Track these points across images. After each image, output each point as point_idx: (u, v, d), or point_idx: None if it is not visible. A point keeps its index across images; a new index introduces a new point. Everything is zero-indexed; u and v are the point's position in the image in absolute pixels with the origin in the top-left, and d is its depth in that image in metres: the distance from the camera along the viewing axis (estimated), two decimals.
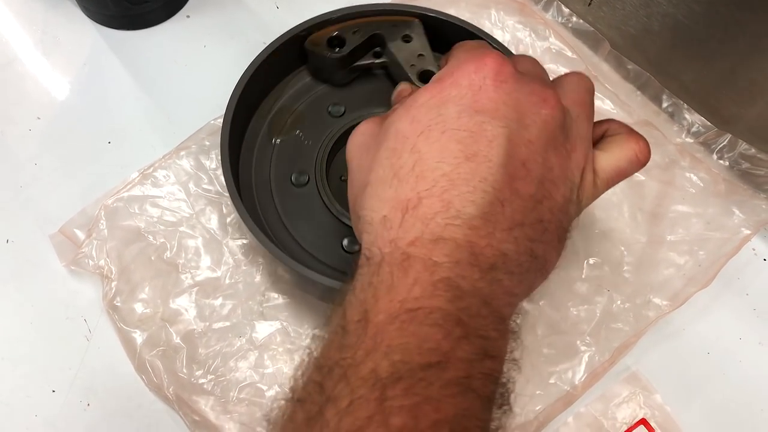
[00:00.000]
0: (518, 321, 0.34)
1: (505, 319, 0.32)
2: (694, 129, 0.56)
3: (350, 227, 0.49)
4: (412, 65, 0.50)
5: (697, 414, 0.49)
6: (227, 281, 0.52)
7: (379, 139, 0.35)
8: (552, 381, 0.48)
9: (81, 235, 0.52)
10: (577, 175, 0.36)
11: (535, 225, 0.33)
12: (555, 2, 0.60)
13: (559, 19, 0.60)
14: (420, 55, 0.51)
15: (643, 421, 0.49)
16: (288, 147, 0.52)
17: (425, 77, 0.50)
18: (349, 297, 0.32)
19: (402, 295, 0.30)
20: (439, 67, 0.45)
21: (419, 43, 0.51)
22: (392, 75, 0.53)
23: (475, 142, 0.33)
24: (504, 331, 0.32)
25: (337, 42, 0.52)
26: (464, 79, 0.34)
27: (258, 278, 0.52)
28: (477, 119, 0.33)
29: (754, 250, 0.54)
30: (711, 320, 0.52)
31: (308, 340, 0.50)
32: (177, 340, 0.49)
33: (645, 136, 0.55)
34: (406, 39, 0.51)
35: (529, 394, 0.48)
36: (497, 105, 0.33)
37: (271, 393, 0.48)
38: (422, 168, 0.33)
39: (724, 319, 0.52)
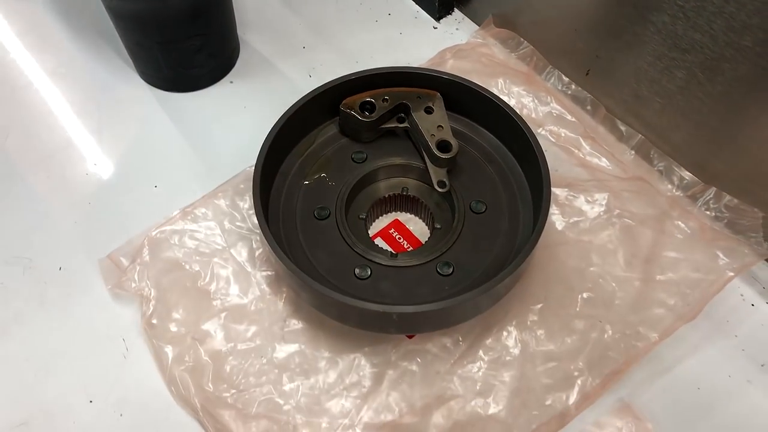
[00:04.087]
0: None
1: None
2: (683, 183, 0.61)
3: (362, 256, 0.54)
4: (432, 135, 0.57)
5: None
6: (253, 308, 0.57)
7: None
8: (548, 403, 0.51)
9: (125, 261, 0.58)
10: None
11: None
12: (556, 72, 0.67)
13: (560, 86, 0.67)
14: (439, 126, 0.58)
15: None
16: (314, 187, 0.58)
17: (442, 146, 0.57)
18: None
19: None
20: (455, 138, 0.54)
21: (439, 115, 0.59)
22: (412, 138, 0.60)
23: None
24: None
25: (368, 107, 0.59)
26: None
27: (281, 306, 0.57)
28: None
29: (742, 295, 0.58)
30: (702, 358, 0.55)
31: (323, 362, 0.54)
32: (205, 357, 0.54)
33: (639, 190, 0.61)
34: (428, 110, 0.59)
35: (525, 416, 0.51)
36: None
37: (287, 407, 0.52)
38: None
39: (714, 358, 0.55)
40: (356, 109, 0.58)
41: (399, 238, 0.61)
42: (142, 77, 0.71)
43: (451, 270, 0.54)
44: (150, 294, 0.56)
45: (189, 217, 0.60)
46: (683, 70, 0.56)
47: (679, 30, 0.54)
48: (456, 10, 0.76)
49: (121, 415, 0.54)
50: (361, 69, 0.59)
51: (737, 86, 0.53)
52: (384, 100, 0.59)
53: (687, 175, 0.61)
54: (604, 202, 0.60)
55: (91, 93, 0.71)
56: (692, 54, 0.54)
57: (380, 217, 0.62)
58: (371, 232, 0.61)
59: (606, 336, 0.54)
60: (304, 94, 0.58)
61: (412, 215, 0.62)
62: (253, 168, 0.54)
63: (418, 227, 0.61)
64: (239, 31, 0.73)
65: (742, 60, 0.51)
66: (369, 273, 0.54)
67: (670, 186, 0.62)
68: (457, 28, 0.75)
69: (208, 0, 0.63)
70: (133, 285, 0.57)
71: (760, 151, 0.54)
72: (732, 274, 0.56)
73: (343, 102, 0.59)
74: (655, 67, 0.58)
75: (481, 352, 0.55)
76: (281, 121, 0.56)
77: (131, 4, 0.60)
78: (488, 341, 0.55)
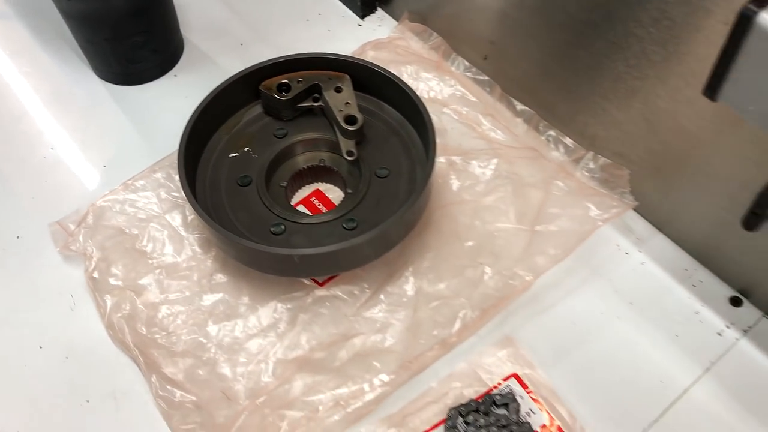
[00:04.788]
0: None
1: None
2: (567, 150, 0.69)
3: (278, 216, 0.62)
4: (340, 110, 0.66)
5: (561, 371, 0.59)
6: (185, 265, 0.65)
7: None
8: (434, 333, 0.59)
9: (72, 226, 0.66)
10: None
11: None
12: (459, 58, 0.76)
13: (463, 71, 0.75)
14: (347, 103, 0.66)
15: (515, 375, 0.59)
16: (239, 159, 0.66)
17: (349, 119, 0.65)
18: None
19: None
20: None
21: (347, 93, 0.67)
22: (326, 114, 0.68)
23: None
24: None
25: (285, 88, 0.67)
26: None
27: (209, 263, 0.65)
28: None
29: (618, 245, 0.66)
30: (578, 299, 0.63)
31: (244, 308, 0.62)
32: (140, 306, 0.62)
33: (529, 157, 0.69)
34: (338, 90, 0.67)
35: (414, 345, 0.59)
36: None
37: (210, 346, 0.60)
38: None
39: (589, 298, 0.63)
40: (274, 90, 0.67)
41: (318, 204, 0.69)
42: (95, 73, 0.79)
43: (355, 225, 0.62)
44: (92, 252, 0.64)
45: (130, 189, 0.68)
46: (555, 48, 0.64)
47: (549, 12, 0.62)
48: (379, 9, 0.85)
49: (66, 357, 0.61)
50: None
51: (595, 58, 0.61)
52: (299, 81, 0.67)
53: (570, 142, 0.69)
54: (493, 167, 0.68)
55: (50, 87, 0.80)
56: (560, 32, 0.62)
57: (303, 188, 0.70)
58: (294, 200, 0.69)
59: (486, 277, 0.61)
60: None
61: (331, 185, 0.70)
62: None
63: (336, 195, 0.69)
64: (183, 31, 0.82)
65: (595, 35, 0.59)
66: (283, 229, 0.62)
67: (556, 153, 0.70)
68: (380, 25, 0.84)
69: (148, 0, 0.71)
70: (78, 245, 0.64)
71: (620, 115, 0.62)
72: (601, 223, 0.64)
73: (262, 84, 0.67)
74: (535, 46, 0.66)
75: (382, 296, 0.62)
76: (204, 102, 0.65)
77: (77, 3, 0.68)
78: (389, 287, 0.62)
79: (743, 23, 0.37)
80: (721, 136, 0.54)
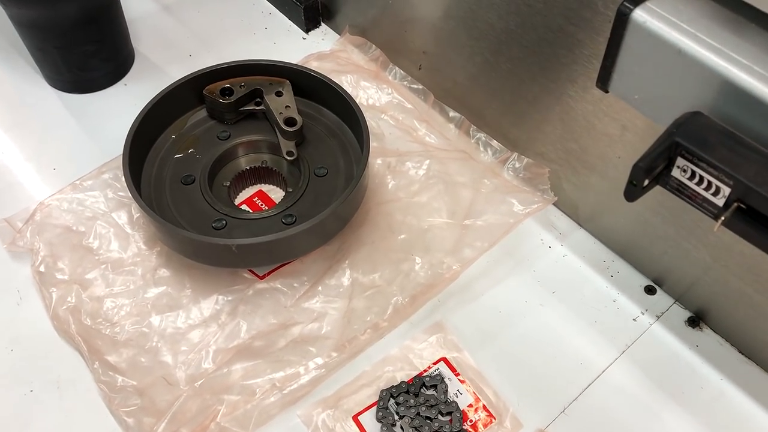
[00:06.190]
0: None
1: None
2: (494, 152, 0.74)
3: (220, 212, 0.65)
4: (281, 113, 0.70)
5: (487, 354, 0.63)
6: (130, 261, 0.67)
7: None
8: (368, 319, 0.62)
9: (21, 224, 0.68)
10: None
11: None
12: (396, 68, 0.80)
13: (399, 80, 0.80)
14: (287, 106, 0.70)
15: (444, 359, 0.63)
16: (184, 160, 0.69)
17: (289, 121, 0.69)
18: None
19: None
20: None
21: (287, 97, 0.71)
22: (268, 117, 0.72)
23: None
24: None
25: (227, 92, 0.71)
26: None
27: (154, 259, 0.67)
28: None
29: (542, 240, 0.70)
30: (504, 288, 0.67)
31: (186, 300, 0.65)
32: (86, 298, 0.64)
33: (460, 159, 0.74)
34: (278, 94, 0.71)
35: (349, 331, 0.62)
36: None
37: (153, 335, 0.62)
38: None
39: (514, 288, 0.67)
40: (217, 94, 0.70)
41: (261, 204, 0.72)
42: (47, 81, 0.82)
43: (293, 219, 0.65)
44: (39, 248, 0.66)
45: (78, 189, 0.71)
46: (479, 55, 0.69)
47: (469, 22, 0.67)
48: (323, 23, 0.89)
49: (12, 350, 0.63)
50: None
51: (514, 64, 0.66)
52: (241, 86, 0.71)
53: (497, 144, 0.74)
54: (425, 167, 0.72)
55: (3, 96, 0.82)
56: (482, 41, 0.67)
57: (247, 189, 0.73)
58: (238, 200, 0.72)
59: (417, 267, 0.65)
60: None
61: (273, 186, 0.73)
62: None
63: (278, 196, 0.73)
64: (134, 43, 0.85)
65: (512, 42, 0.64)
66: (224, 224, 0.65)
67: (484, 155, 0.74)
68: (323, 39, 0.88)
69: (97, 10, 0.75)
70: (25, 241, 0.67)
71: (540, 117, 0.67)
72: (523, 216, 0.68)
73: (206, 88, 0.70)
74: (462, 56, 0.71)
75: (320, 288, 0.65)
76: (150, 104, 0.68)
77: (26, 11, 0.72)
78: (327, 280, 0.66)
79: (621, 20, 0.42)
80: (626, 132, 0.59)
